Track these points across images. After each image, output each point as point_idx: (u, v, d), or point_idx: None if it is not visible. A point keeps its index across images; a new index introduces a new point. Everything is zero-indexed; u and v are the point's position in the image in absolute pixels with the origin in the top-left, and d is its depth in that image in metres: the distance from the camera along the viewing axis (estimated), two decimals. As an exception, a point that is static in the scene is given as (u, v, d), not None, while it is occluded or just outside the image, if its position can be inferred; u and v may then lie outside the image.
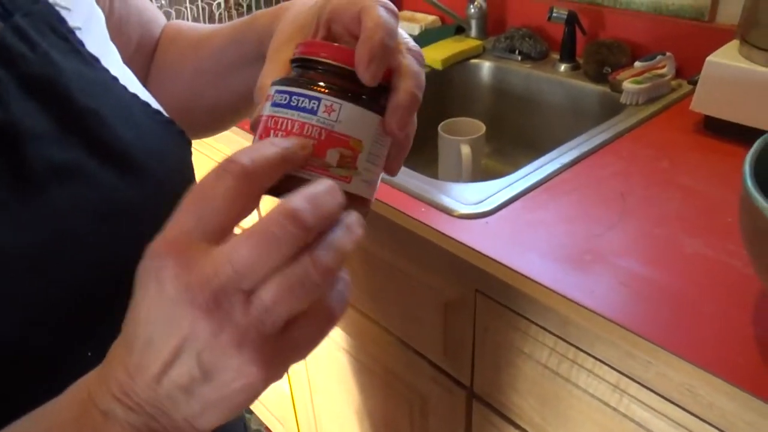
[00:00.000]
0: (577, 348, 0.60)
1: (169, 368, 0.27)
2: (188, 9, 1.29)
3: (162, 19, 0.61)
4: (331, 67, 0.33)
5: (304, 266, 0.27)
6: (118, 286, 0.31)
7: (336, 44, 0.34)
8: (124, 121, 0.40)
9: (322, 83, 0.33)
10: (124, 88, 0.42)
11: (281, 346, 0.27)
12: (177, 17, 1.32)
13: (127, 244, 0.33)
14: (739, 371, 0.49)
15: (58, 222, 0.35)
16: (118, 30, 0.53)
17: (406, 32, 0.37)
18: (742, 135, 0.83)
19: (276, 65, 0.38)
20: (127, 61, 0.47)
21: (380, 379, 0.94)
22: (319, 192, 0.28)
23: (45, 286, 0.34)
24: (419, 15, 1.37)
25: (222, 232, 0.27)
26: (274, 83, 0.34)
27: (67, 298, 0.35)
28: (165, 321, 0.26)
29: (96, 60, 0.41)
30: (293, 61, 0.35)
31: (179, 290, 0.26)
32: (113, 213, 0.38)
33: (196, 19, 1.33)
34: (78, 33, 0.41)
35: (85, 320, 0.36)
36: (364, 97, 0.33)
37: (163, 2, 1.28)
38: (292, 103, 0.32)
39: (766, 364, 0.50)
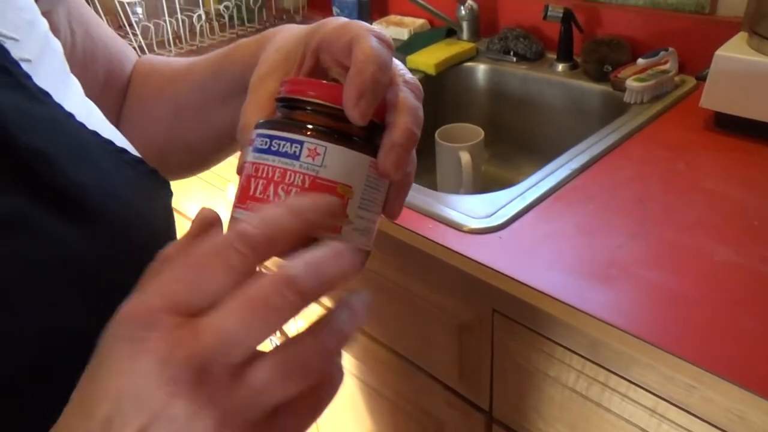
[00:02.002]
0: (609, 370, 0.56)
1: None
2: (168, 22, 1.24)
3: (132, 55, 0.57)
4: (317, 106, 0.30)
5: (304, 348, 0.24)
6: (64, 353, 0.28)
7: (323, 81, 0.31)
8: (78, 161, 0.35)
9: (306, 124, 0.30)
10: (81, 125, 0.37)
11: None
12: (156, 31, 1.26)
13: (77, 303, 0.30)
14: (793, 393, 0.46)
15: None
16: (83, 65, 0.49)
17: (401, 65, 0.34)
18: (757, 131, 0.80)
19: (258, 98, 0.34)
20: (95, 99, 0.42)
21: (392, 404, 0.90)
22: (322, 258, 0.25)
23: None
24: (407, 19, 1.33)
25: (214, 307, 0.23)
26: (257, 126, 0.31)
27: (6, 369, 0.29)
28: (132, 397, 0.22)
29: (46, 95, 0.36)
30: (278, 100, 0.32)
31: (157, 364, 0.22)
32: (60, 268, 0.32)
33: (176, 33, 1.27)
34: (25, 65, 0.35)
35: (17, 396, 0.30)
36: (354, 137, 0.30)
37: (141, 16, 1.23)
38: (273, 148, 0.29)
39: (821, 384, 0.46)
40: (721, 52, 0.80)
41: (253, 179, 0.30)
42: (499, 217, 0.70)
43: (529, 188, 0.75)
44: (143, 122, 0.52)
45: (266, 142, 0.30)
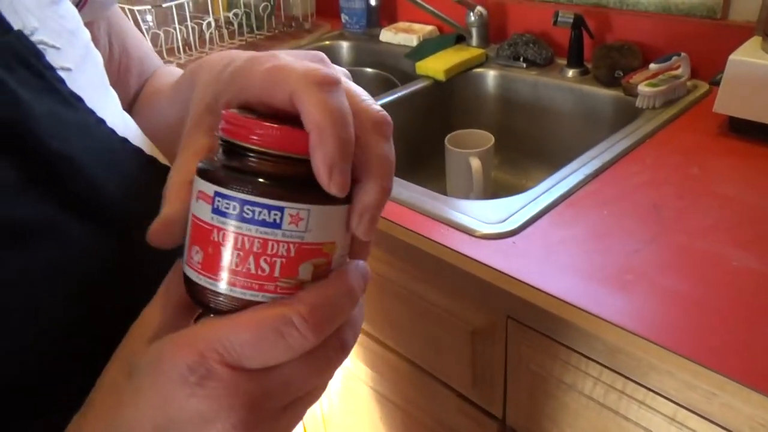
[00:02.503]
0: (626, 377, 0.55)
1: None
2: (177, 30, 1.24)
3: (157, 66, 0.57)
4: (289, 160, 0.26)
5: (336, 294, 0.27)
6: (85, 356, 0.28)
7: (280, 126, 0.26)
8: (107, 168, 0.35)
9: (280, 183, 0.26)
10: (111, 131, 0.37)
11: None
12: (166, 39, 1.27)
13: (100, 308, 0.29)
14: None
15: (10, 288, 0.29)
16: (117, 79, 0.49)
17: (362, 91, 0.29)
18: (772, 136, 0.79)
19: (191, 156, 0.30)
20: (127, 110, 0.42)
21: (403, 412, 0.89)
22: (334, 295, 0.27)
23: None
24: (416, 25, 1.33)
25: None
26: (207, 179, 0.26)
27: (18, 376, 0.29)
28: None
29: (78, 100, 0.35)
30: (227, 144, 0.27)
31: (221, 411, 0.25)
32: (84, 273, 0.32)
33: (185, 40, 1.28)
34: (65, 74, 0.35)
35: (34, 397, 0.30)
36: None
37: (151, 24, 1.24)
38: (245, 215, 0.25)
39: None
40: (735, 57, 0.80)
41: (223, 248, 0.26)
42: (512, 223, 0.69)
43: (542, 194, 0.74)
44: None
45: (234, 207, 0.26)
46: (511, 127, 1.15)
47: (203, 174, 0.27)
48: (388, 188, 0.28)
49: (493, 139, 0.99)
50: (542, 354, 0.62)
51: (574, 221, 0.69)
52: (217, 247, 0.26)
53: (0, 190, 0.30)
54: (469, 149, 0.97)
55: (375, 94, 1.13)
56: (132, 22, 1.20)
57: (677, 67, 0.95)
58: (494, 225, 0.69)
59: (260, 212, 0.25)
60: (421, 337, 0.78)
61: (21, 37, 0.33)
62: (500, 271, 0.62)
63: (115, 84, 0.43)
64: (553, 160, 1.03)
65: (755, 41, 0.82)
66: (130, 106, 0.53)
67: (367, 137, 0.28)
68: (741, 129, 0.82)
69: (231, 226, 0.26)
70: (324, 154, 0.25)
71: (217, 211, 0.26)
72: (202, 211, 0.26)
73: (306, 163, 0.26)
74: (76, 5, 0.42)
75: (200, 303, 0.27)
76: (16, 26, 0.33)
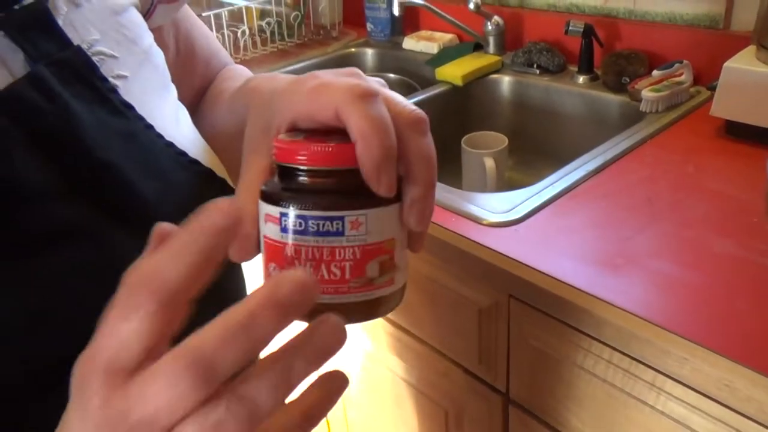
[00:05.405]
0: (613, 348, 0.62)
1: None
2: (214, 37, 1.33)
3: (226, 64, 0.60)
4: (339, 172, 0.28)
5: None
6: None
7: (325, 143, 0.29)
8: (149, 175, 0.38)
9: (335, 195, 0.28)
10: (158, 136, 0.40)
11: None
12: (203, 45, 1.36)
13: None
14: (776, 364, 0.51)
15: (49, 288, 0.33)
16: (181, 75, 0.51)
17: (405, 99, 0.32)
18: (764, 137, 0.84)
19: (255, 179, 0.32)
20: (188, 103, 0.45)
21: (413, 389, 0.96)
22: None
23: (25, 357, 0.32)
24: (437, 34, 1.40)
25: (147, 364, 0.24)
26: (270, 201, 0.29)
27: (54, 365, 0.31)
28: None
29: (129, 108, 0.39)
30: (282, 167, 0.30)
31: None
32: (115, 275, 0.33)
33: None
34: (120, 81, 0.39)
35: (44, 398, 0.31)
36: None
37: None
38: (311, 228, 0.28)
39: (802, 357, 0.51)
40: (729, 64, 0.86)
41: (297, 261, 0.28)
42: (517, 213, 0.76)
43: (546, 188, 0.81)
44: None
45: (300, 223, 0.28)
46: (525, 129, 1.22)
47: (267, 198, 0.29)
48: (431, 179, 0.30)
49: (506, 140, 1.05)
50: (540, 329, 0.69)
51: (574, 212, 0.75)
52: (291, 261, 0.28)
53: (44, 194, 0.33)
54: (484, 150, 1.04)
55: (397, 97, 1.21)
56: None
57: (680, 74, 1.01)
58: (500, 215, 0.76)
59: (324, 224, 0.28)
60: (434, 318, 0.85)
61: (79, 52, 0.37)
62: (503, 254, 0.69)
63: (179, 81, 0.47)
64: (563, 161, 1.09)
65: (750, 50, 0.88)
66: (196, 102, 0.56)
67: (407, 136, 0.30)
68: (736, 132, 0.88)
69: (300, 241, 0.28)
70: (371, 161, 0.28)
71: (285, 229, 0.28)
72: (272, 231, 0.29)
73: (355, 171, 0.28)
74: (144, 14, 0.46)
75: None
76: (75, 41, 0.37)
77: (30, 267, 0.32)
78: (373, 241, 0.29)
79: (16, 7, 0.35)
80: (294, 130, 0.31)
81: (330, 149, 0.28)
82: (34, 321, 0.32)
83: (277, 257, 0.29)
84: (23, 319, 0.32)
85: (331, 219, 0.28)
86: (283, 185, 0.29)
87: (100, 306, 0.31)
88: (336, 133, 0.29)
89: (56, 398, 0.29)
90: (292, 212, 0.28)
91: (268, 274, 0.30)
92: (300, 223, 0.28)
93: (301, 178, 0.29)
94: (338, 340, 0.25)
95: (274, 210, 0.29)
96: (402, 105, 0.31)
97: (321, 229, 0.28)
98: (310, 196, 0.28)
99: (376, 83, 0.32)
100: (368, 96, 0.28)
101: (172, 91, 0.46)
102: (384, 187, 0.28)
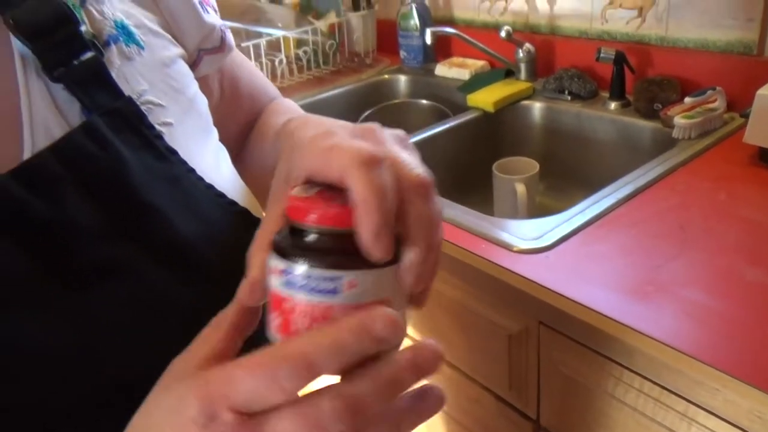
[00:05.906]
0: (644, 377, 0.62)
1: None
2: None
3: (273, 98, 0.62)
4: (338, 234, 0.30)
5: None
6: (146, 387, 0.31)
7: (329, 205, 0.30)
8: (189, 216, 0.40)
9: (334, 255, 0.29)
10: (199, 179, 0.42)
11: None
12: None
13: (174, 342, 0.32)
14: (809, 396, 0.50)
15: (96, 320, 0.35)
16: (224, 116, 0.54)
17: (412, 157, 0.33)
18: (799, 165, 0.84)
19: (271, 226, 0.33)
20: (231, 142, 0.48)
21: (445, 414, 0.96)
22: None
23: (77, 384, 0.34)
24: (469, 61, 1.43)
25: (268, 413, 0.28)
26: (281, 256, 0.30)
27: (102, 394, 0.35)
28: None
29: (173, 153, 0.41)
30: (291, 225, 0.31)
31: None
32: (155, 311, 0.37)
33: (259, 75, 1.42)
34: (166, 128, 0.41)
35: (116, 419, 0.33)
36: None
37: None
38: (310, 285, 0.29)
39: (837, 389, 0.51)
40: (762, 92, 0.86)
41: (293, 315, 0.29)
42: (547, 239, 0.77)
43: (576, 215, 0.81)
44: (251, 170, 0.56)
45: (300, 279, 0.29)
46: (556, 155, 1.23)
47: (275, 249, 0.31)
48: (432, 244, 0.31)
49: (538, 166, 1.06)
50: (570, 357, 0.69)
51: (604, 239, 0.76)
52: (289, 314, 0.29)
53: (93, 234, 0.36)
54: (516, 175, 1.05)
55: (429, 123, 1.23)
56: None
57: (713, 101, 1.01)
58: (530, 241, 0.77)
59: (321, 282, 0.29)
60: (465, 343, 0.86)
61: (130, 103, 0.40)
62: (533, 281, 0.70)
63: (224, 119, 0.50)
64: (594, 187, 1.10)
65: (784, 77, 0.88)
66: (243, 137, 0.59)
67: (409, 199, 0.31)
68: (771, 159, 0.87)
69: (298, 296, 0.29)
70: (366, 227, 0.28)
71: (287, 283, 0.29)
72: (276, 282, 0.30)
73: (355, 233, 0.29)
74: (191, 65, 0.49)
75: None
76: (126, 92, 0.40)
77: (81, 300, 0.35)
78: (368, 300, 0.29)
79: (75, 62, 0.38)
80: (310, 182, 0.33)
81: (333, 212, 0.30)
82: (84, 349, 0.35)
83: (278, 308, 0.30)
84: (74, 347, 0.35)
85: (329, 279, 0.29)
86: (290, 241, 0.31)
87: (139, 336, 0.35)
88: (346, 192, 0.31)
89: (108, 421, 0.32)
90: (293, 269, 0.29)
91: (269, 321, 0.31)
92: (300, 279, 0.29)
93: (307, 236, 0.30)
94: (436, 363, 0.29)
95: (280, 263, 0.30)
96: (408, 168, 0.32)
97: (318, 287, 0.29)
98: (312, 255, 0.29)
99: (392, 138, 0.34)
100: (372, 163, 0.30)
101: (214, 135, 0.48)
102: (377, 253, 0.29)
